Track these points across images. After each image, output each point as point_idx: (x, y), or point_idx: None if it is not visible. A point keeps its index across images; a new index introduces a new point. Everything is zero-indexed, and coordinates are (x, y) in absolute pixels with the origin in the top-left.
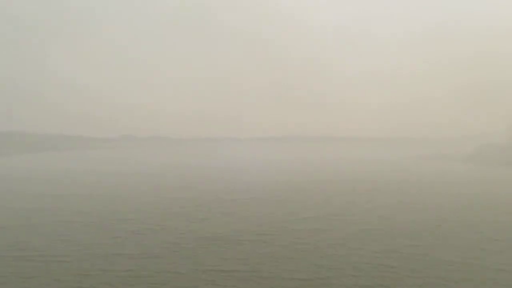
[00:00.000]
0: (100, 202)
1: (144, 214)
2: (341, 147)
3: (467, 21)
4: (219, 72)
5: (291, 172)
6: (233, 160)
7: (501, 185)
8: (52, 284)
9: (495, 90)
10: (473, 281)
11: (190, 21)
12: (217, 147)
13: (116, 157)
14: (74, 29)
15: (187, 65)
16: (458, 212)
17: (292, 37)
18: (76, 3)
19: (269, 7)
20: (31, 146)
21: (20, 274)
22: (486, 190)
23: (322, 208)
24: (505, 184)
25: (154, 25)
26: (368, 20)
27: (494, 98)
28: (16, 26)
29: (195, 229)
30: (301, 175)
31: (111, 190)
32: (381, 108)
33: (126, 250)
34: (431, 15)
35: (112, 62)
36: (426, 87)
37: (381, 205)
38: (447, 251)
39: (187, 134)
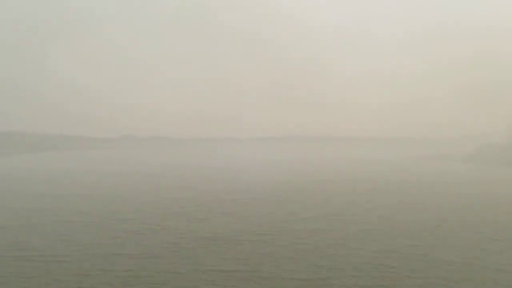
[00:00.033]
0: (100, 202)
1: (144, 214)
2: (341, 147)
3: (467, 21)
4: (219, 72)
5: (291, 172)
6: (233, 160)
7: (501, 185)
8: (52, 284)
9: (495, 90)
10: (473, 281)
11: (190, 21)
12: (217, 147)
13: (116, 157)
14: (74, 29)
15: (187, 65)
16: (458, 212)
17: (292, 37)
18: (76, 3)
19: (269, 7)
20: (31, 146)
21: (20, 274)
22: (486, 190)
23: (322, 208)
24: (505, 184)
25: (154, 25)
26: (368, 20)
27: (494, 98)
28: (16, 26)
29: (195, 229)
30: (301, 175)
31: (111, 190)
32: (381, 108)
33: (126, 250)
34: (431, 15)
35: (112, 62)
36: (426, 87)
37: (381, 205)
38: (447, 251)
39: (187, 134)
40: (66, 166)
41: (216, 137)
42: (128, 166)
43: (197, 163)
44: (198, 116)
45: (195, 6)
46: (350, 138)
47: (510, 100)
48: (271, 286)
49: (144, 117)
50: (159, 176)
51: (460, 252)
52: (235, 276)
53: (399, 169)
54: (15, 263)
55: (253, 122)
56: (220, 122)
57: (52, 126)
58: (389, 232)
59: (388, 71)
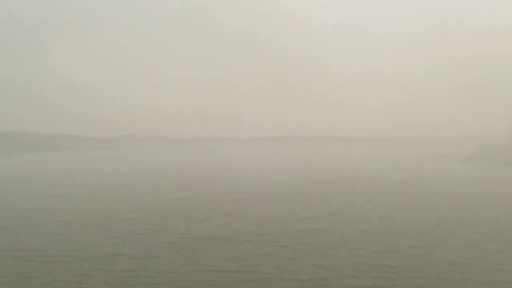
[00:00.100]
0: (100, 202)
1: (144, 214)
2: (341, 147)
3: (467, 21)
4: (219, 72)
5: (291, 172)
6: (233, 160)
7: (501, 185)
8: (52, 284)
9: (495, 90)
10: (473, 281)
11: (190, 21)
12: (217, 147)
13: (116, 157)
14: (74, 29)
15: (187, 65)
16: (458, 212)
17: (292, 37)
18: (76, 3)
19: (269, 7)
20: (31, 146)
21: (20, 274)
22: (486, 190)
23: (322, 208)
24: (505, 184)
25: (154, 25)
26: (368, 20)
27: (494, 98)
28: (16, 26)
29: (195, 229)
30: (301, 175)
31: (111, 190)
32: (381, 108)
33: (126, 250)
34: (431, 15)
35: (112, 62)
36: (426, 87)
37: (381, 205)
38: (447, 251)
39: (187, 134)
40: (66, 166)
41: (216, 137)
42: (128, 166)
43: (197, 163)
44: (198, 116)
45: (195, 6)
46: (350, 138)
47: (510, 100)
48: (271, 287)
49: (144, 117)
50: (159, 176)
51: (460, 252)
52: (235, 277)
53: (399, 169)
54: (15, 263)
55: (253, 122)
56: (220, 122)
57: (52, 126)
58: (389, 232)
59: (388, 71)
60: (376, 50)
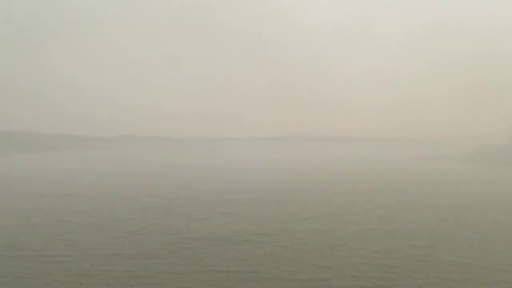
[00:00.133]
0: (100, 202)
1: (144, 214)
2: (341, 147)
3: (467, 21)
4: (219, 72)
5: (291, 172)
6: (233, 160)
7: (501, 185)
8: (52, 284)
9: (495, 90)
10: (473, 281)
11: (190, 21)
12: (217, 147)
13: (116, 157)
14: (74, 29)
15: (187, 65)
16: (458, 212)
17: (292, 37)
18: (76, 3)
19: (269, 7)
20: (31, 146)
21: (20, 274)
22: (486, 190)
23: (322, 208)
24: (505, 184)
25: (154, 25)
26: (368, 20)
27: (494, 98)
28: (16, 26)
29: (195, 229)
30: (301, 175)
31: (111, 190)
32: (381, 108)
33: (126, 250)
34: (431, 15)
35: (112, 62)
36: (426, 87)
37: (381, 205)
38: (447, 251)
39: (187, 134)
40: (66, 166)
41: (216, 137)
42: (128, 166)
43: (197, 163)
44: (198, 116)
45: (195, 6)
46: (350, 138)
47: (510, 100)
48: (271, 287)
49: (144, 117)
50: (159, 176)
51: (460, 252)
52: (235, 277)
53: (399, 169)
54: (15, 263)
55: (253, 122)
56: (220, 122)
57: (52, 126)
58: (389, 232)
59: (388, 71)
60: (376, 50)
